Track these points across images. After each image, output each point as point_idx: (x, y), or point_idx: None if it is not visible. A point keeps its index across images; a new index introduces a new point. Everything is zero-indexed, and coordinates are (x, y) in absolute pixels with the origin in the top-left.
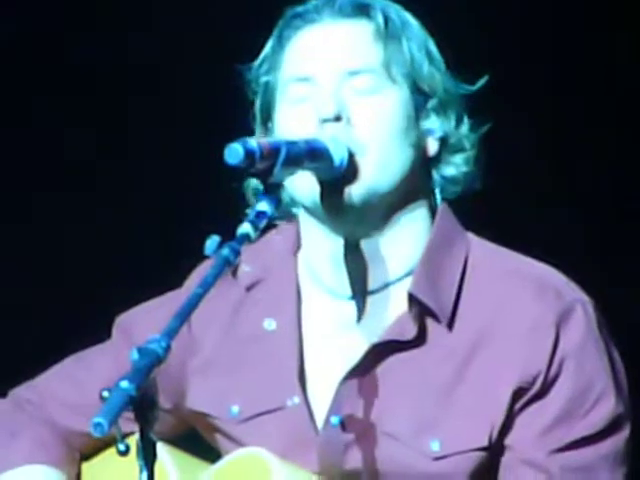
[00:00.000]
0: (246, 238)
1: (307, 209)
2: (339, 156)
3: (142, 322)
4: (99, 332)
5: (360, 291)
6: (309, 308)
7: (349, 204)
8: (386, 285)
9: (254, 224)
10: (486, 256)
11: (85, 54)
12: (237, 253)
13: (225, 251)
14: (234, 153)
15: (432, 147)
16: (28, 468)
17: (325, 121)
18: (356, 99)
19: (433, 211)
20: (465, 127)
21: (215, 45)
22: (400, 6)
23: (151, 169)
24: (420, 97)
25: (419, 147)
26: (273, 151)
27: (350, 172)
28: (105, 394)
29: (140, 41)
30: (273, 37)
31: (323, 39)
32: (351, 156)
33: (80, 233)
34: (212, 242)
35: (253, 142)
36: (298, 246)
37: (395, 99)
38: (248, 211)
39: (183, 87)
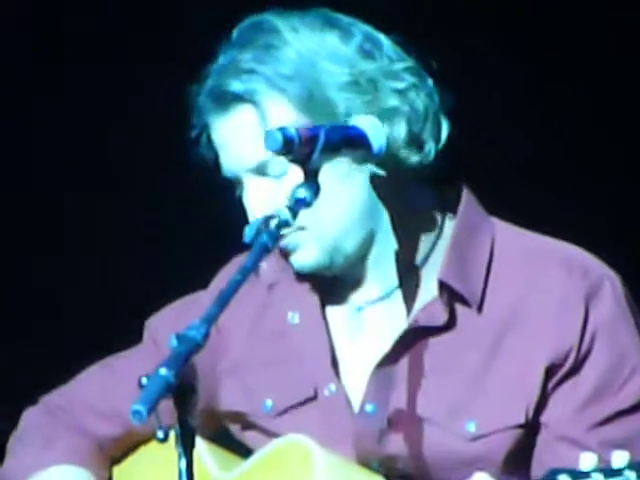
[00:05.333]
0: (285, 224)
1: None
2: (378, 142)
3: (170, 325)
4: (130, 333)
5: (385, 284)
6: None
7: None
8: (409, 274)
9: (293, 210)
10: (511, 238)
11: None
12: (276, 239)
13: (264, 237)
14: (273, 139)
15: None
16: (60, 467)
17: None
18: (273, 182)
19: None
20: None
21: None
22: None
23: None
24: None
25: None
26: (312, 138)
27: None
28: (144, 381)
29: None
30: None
31: (218, 141)
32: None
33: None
34: (251, 229)
35: (292, 129)
36: None
37: None
38: (287, 199)
39: None
